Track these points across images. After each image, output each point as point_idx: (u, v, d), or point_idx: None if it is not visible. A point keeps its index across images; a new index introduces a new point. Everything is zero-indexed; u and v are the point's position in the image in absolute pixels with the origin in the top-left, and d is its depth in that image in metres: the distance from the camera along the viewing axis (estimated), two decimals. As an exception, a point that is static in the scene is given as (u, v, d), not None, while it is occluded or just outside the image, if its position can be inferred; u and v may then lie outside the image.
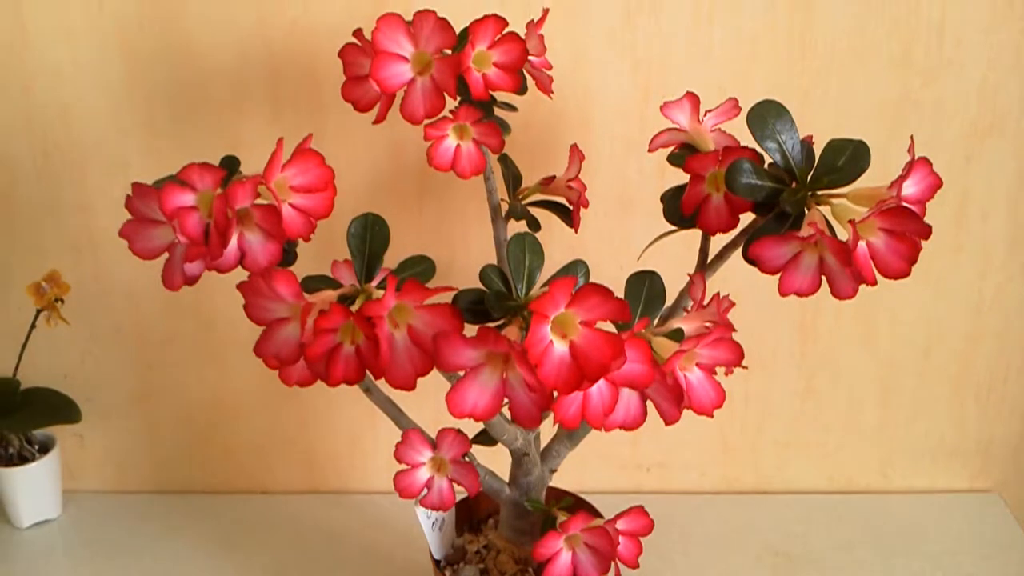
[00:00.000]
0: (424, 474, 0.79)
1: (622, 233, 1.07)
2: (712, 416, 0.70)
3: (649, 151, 0.81)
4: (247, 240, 0.68)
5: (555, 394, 0.61)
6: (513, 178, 0.89)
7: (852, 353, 1.11)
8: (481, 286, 0.69)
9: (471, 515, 0.95)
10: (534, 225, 0.87)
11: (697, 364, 0.70)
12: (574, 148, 0.86)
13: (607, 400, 0.63)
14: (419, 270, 0.69)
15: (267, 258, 0.68)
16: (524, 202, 0.88)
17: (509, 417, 0.66)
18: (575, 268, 0.70)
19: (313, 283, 0.70)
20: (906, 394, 1.13)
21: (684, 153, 0.80)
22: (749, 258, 0.69)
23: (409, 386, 0.63)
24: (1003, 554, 1.07)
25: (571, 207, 0.87)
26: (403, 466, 0.79)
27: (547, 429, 0.81)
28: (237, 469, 1.17)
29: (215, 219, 0.65)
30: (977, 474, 1.16)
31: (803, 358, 1.12)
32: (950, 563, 1.05)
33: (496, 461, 0.86)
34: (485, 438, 0.83)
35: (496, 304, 0.64)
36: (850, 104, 1.01)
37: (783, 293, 0.69)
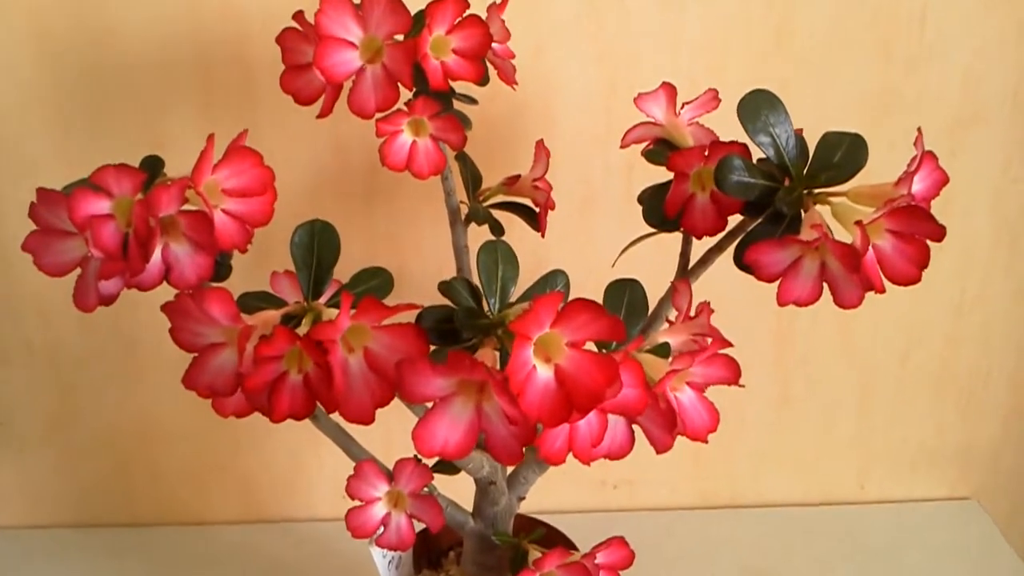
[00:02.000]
0: (380, 510, 0.71)
1: (586, 235, 1.00)
2: (707, 441, 0.64)
3: (621, 147, 0.75)
4: (173, 253, 0.59)
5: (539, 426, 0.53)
6: (472, 178, 0.81)
7: (829, 359, 1.06)
8: (443, 300, 0.60)
9: (429, 549, 0.87)
10: (497, 229, 0.79)
11: (687, 383, 0.63)
12: (540, 145, 0.78)
13: (595, 430, 0.56)
14: (374, 284, 0.61)
15: (197, 273, 0.59)
16: (485, 204, 0.81)
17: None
18: (555, 280, 0.62)
19: (251, 301, 0.61)
20: (884, 400, 1.09)
21: (662, 149, 0.74)
22: (744, 264, 0.63)
23: (366, 419, 0.55)
24: (986, 563, 1.03)
25: (537, 209, 0.80)
26: (355, 502, 0.71)
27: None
28: (167, 499, 1.09)
29: (135, 229, 0.57)
30: (956, 482, 1.12)
31: (778, 366, 1.06)
32: (933, 575, 1.01)
33: (457, 489, 0.78)
34: (447, 466, 0.75)
35: (467, 322, 0.56)
36: (830, 97, 0.95)
37: (782, 303, 0.63)
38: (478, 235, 0.80)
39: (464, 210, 0.80)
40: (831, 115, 0.94)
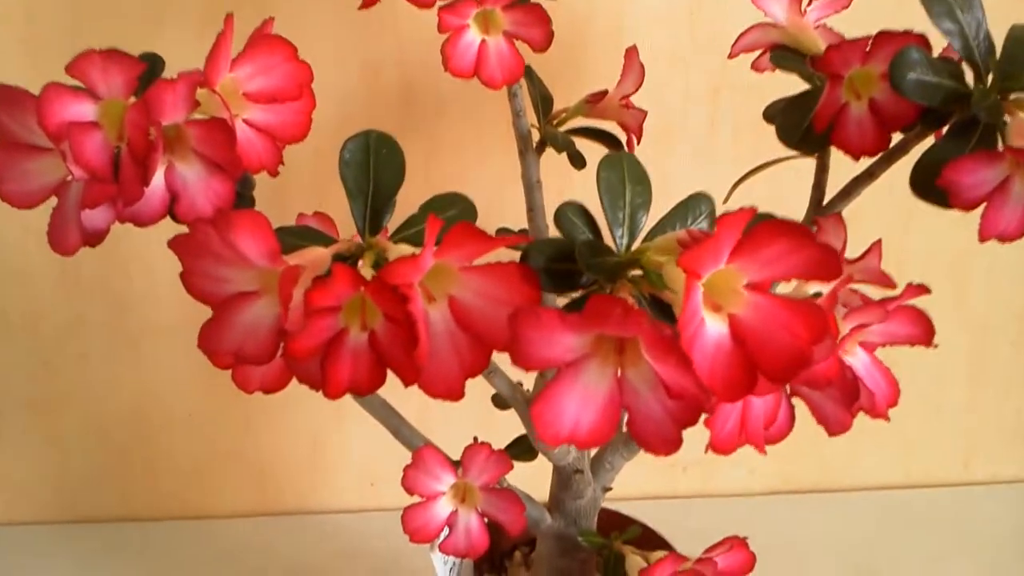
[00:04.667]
0: (444, 508, 0.58)
1: (660, 173, 0.85)
2: (888, 419, 0.50)
3: (730, 56, 0.61)
4: (180, 175, 0.46)
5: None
6: (542, 98, 0.67)
7: (939, 318, 0.92)
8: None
9: (491, 549, 0.72)
10: (578, 161, 0.65)
11: (860, 344, 0.49)
12: (632, 53, 0.65)
13: (771, 407, 0.41)
14: (452, 215, 0.46)
15: (212, 202, 0.46)
16: (561, 129, 0.66)
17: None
18: (697, 205, 0.47)
19: (287, 237, 0.46)
20: (997, 367, 0.97)
21: (786, 55, 0.60)
22: (933, 188, 0.49)
23: (455, 393, 0.41)
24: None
25: (625, 134, 0.66)
26: (413, 498, 0.57)
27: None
28: (167, 490, 1.00)
29: (129, 141, 0.44)
30: (1076, 460, 0.99)
31: (881, 327, 0.93)
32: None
33: (520, 476, 0.65)
34: (524, 452, 0.62)
35: (592, 261, 0.41)
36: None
37: (984, 237, 0.49)
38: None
39: (536, 136, 0.65)
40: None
